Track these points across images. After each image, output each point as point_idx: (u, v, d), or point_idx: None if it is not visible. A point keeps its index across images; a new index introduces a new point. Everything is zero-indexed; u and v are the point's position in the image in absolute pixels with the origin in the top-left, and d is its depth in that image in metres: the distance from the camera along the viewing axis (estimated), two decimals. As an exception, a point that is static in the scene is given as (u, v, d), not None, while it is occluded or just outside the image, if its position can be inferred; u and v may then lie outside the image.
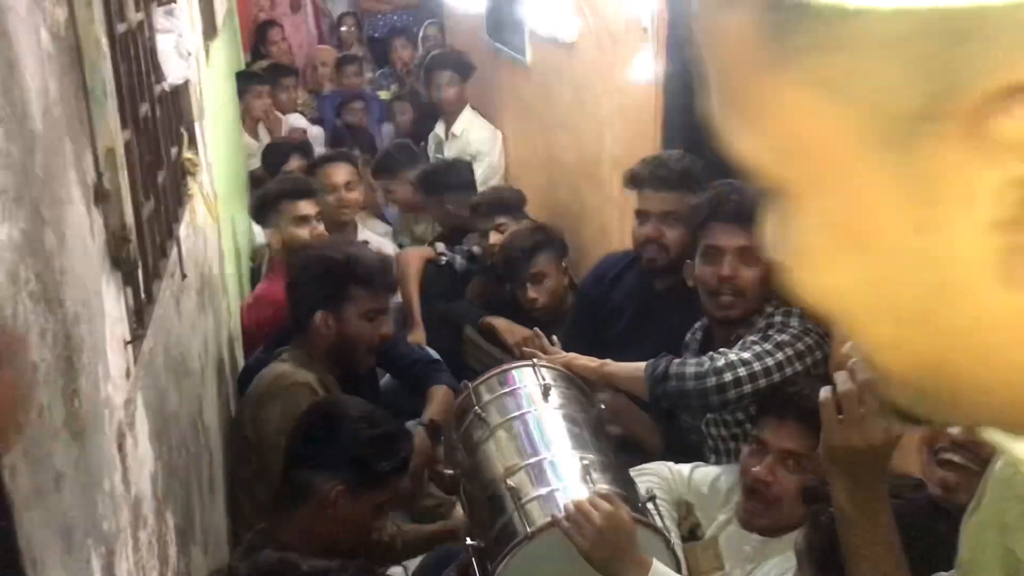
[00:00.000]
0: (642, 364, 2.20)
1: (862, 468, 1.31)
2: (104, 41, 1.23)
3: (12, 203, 0.89)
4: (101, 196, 1.23)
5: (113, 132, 1.26)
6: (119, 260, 1.30)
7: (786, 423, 1.91)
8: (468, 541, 1.83)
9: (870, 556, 1.31)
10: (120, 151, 1.29)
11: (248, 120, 5.12)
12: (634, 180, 2.79)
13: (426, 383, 2.68)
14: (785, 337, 2.13)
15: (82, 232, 1.15)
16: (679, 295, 2.52)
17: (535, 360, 2.21)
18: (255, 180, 4.58)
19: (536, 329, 2.47)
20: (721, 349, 2.16)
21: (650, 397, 2.16)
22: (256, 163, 4.76)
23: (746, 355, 2.09)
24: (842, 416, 1.31)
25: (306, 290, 2.46)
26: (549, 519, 1.70)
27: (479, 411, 2.10)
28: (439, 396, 2.61)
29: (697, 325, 2.43)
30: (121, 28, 1.45)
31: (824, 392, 1.35)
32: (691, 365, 2.11)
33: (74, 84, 1.18)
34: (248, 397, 2.42)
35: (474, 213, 3.70)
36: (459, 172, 4.18)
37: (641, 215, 2.75)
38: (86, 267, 1.15)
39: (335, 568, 1.77)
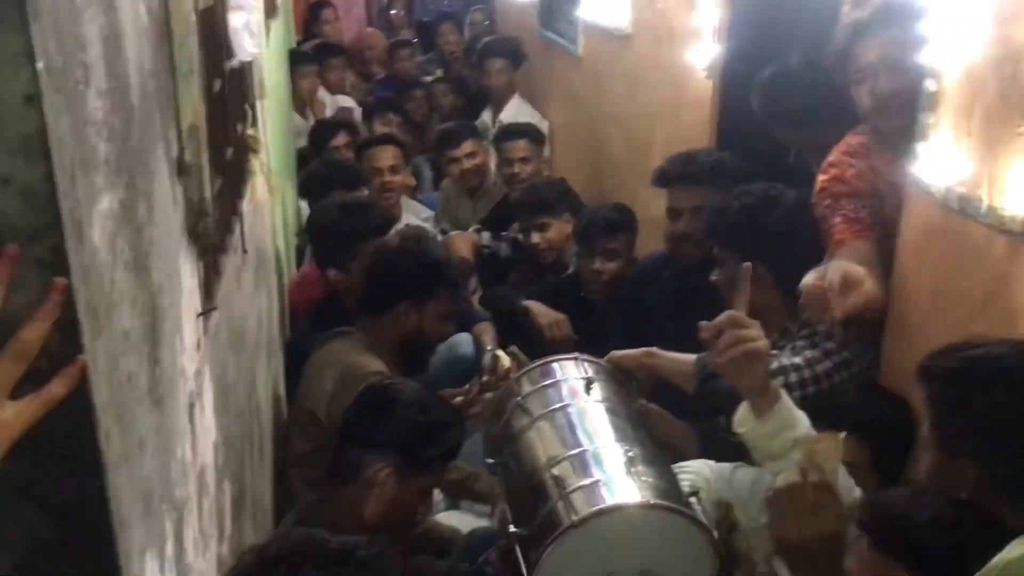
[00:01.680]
0: (690, 357, 2.20)
1: (816, 561, 1.34)
2: (193, 18, 1.26)
3: (113, 174, 0.91)
4: (183, 169, 1.25)
5: (196, 107, 1.28)
6: (196, 233, 1.33)
7: None
8: (511, 529, 1.85)
9: None
10: (202, 126, 1.32)
11: (296, 99, 5.16)
12: (663, 178, 2.80)
13: (467, 325, 3.00)
14: (832, 345, 2.14)
15: (166, 204, 1.17)
16: (714, 291, 2.52)
17: (578, 354, 2.23)
18: (302, 159, 4.62)
19: None
20: (772, 351, 2.16)
21: (697, 393, 2.16)
22: (304, 142, 4.80)
23: (797, 360, 2.10)
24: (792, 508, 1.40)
25: (396, 279, 2.50)
26: (595, 509, 1.71)
27: (521, 402, 2.11)
28: (488, 329, 3.04)
29: None
30: (203, 4, 1.47)
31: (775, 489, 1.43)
32: None
33: (164, 59, 1.20)
34: (317, 380, 2.42)
35: (516, 209, 3.72)
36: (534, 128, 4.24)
37: (672, 212, 2.76)
38: (169, 239, 1.18)
39: (363, 544, 1.77)
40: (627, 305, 3.04)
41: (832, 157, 2.31)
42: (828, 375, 2.10)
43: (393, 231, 3.06)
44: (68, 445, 0.83)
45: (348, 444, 2.05)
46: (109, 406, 0.87)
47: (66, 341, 0.79)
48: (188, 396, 1.26)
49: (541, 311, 3.25)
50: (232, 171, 1.89)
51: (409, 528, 2.16)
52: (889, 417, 1.93)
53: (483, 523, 2.55)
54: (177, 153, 1.25)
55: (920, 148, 1.93)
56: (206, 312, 1.39)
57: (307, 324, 3.10)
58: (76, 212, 0.79)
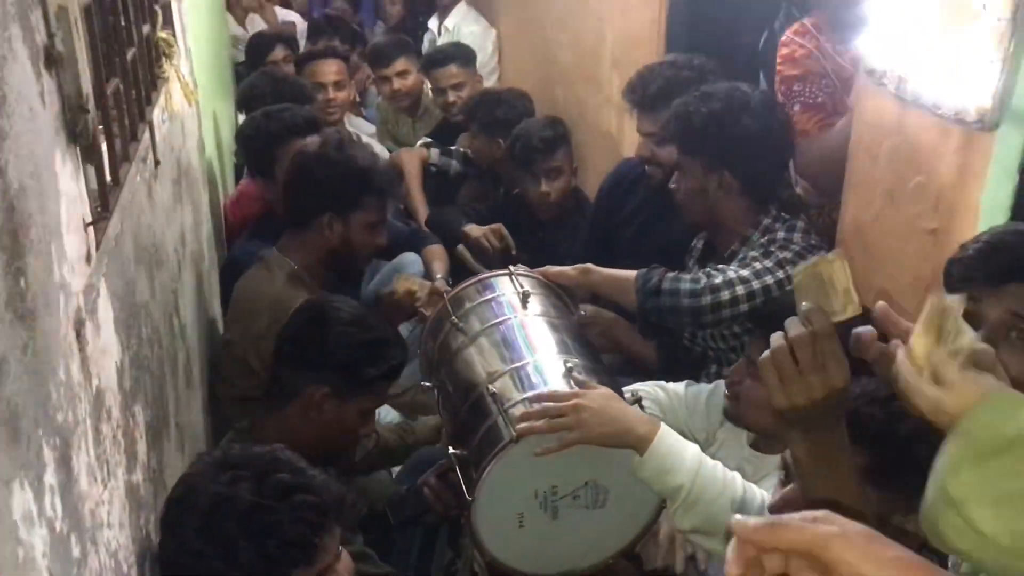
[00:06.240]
0: (630, 273, 2.11)
1: (816, 418, 1.19)
2: None
3: (-65, 49, 0.78)
4: (53, 59, 1.11)
5: (65, -11, 1.13)
6: (75, 133, 1.19)
7: None
8: (451, 450, 1.78)
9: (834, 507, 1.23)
10: (75, 11, 1.17)
11: (237, 10, 4.91)
12: (626, 99, 2.67)
13: (418, 248, 2.92)
14: (787, 255, 2.07)
15: (29, 96, 1.04)
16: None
17: (512, 268, 2.14)
18: (241, 73, 4.40)
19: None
20: (720, 266, 2.09)
21: (639, 310, 2.08)
22: (243, 55, 4.57)
23: (745, 272, 2.03)
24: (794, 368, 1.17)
25: (316, 190, 2.34)
26: (524, 427, 1.63)
27: (456, 320, 2.03)
28: (438, 254, 2.90)
29: (700, 234, 2.36)
30: None
31: (767, 352, 1.20)
32: (686, 282, 2.04)
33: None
34: (245, 320, 2.28)
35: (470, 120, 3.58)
36: (463, 48, 4.05)
37: (639, 132, 2.66)
38: (34, 136, 1.04)
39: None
40: (602, 213, 2.93)
41: (784, 37, 2.22)
42: (780, 285, 2.02)
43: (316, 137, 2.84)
44: None
45: (283, 366, 1.95)
46: (-55, 318, 0.76)
47: None
48: (74, 313, 1.15)
49: (475, 229, 3.12)
50: (137, 75, 1.74)
51: (350, 449, 2.08)
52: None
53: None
54: (45, 40, 1.11)
55: (872, 35, 1.83)
56: (96, 222, 1.27)
57: (247, 238, 2.95)
58: None
